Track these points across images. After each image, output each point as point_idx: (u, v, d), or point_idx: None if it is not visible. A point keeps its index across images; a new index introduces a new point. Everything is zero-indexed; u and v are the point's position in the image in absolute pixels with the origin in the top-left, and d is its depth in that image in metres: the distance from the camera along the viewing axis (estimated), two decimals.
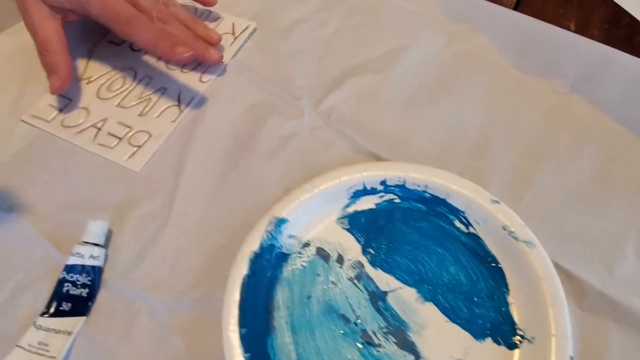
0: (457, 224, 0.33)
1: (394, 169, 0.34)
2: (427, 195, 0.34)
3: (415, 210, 0.34)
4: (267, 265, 0.31)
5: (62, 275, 0.31)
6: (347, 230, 0.33)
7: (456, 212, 0.33)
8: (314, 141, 0.37)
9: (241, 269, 0.30)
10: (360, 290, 0.31)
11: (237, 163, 0.36)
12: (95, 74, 0.41)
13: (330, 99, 0.40)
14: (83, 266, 0.31)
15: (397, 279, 0.31)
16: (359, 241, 0.33)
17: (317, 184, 0.33)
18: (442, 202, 0.33)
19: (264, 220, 0.32)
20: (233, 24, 0.46)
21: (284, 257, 0.32)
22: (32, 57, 0.41)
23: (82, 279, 0.31)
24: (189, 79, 0.42)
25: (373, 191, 0.34)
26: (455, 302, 0.30)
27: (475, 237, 0.32)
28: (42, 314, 0.30)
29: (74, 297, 0.30)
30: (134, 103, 0.40)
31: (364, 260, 0.32)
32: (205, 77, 0.42)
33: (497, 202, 0.32)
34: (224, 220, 0.34)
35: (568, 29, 0.45)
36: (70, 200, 0.35)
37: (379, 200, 0.34)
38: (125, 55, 0.43)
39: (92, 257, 0.31)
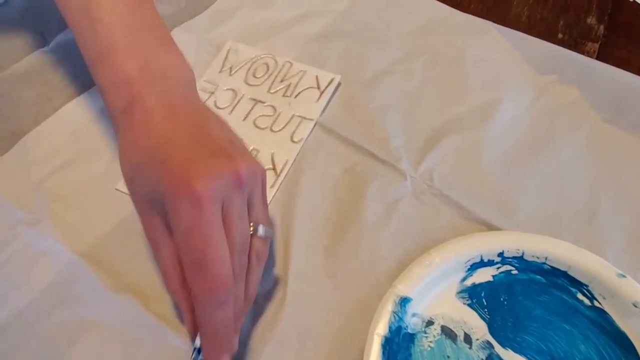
0: (580, 297, 0.33)
1: (511, 241, 0.34)
2: (546, 267, 0.33)
3: (534, 282, 0.33)
4: (397, 349, 0.30)
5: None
6: (469, 305, 0.33)
7: (578, 285, 0.33)
8: (420, 208, 0.37)
9: (376, 356, 0.29)
10: None
11: (345, 234, 0.35)
12: None
13: (429, 161, 0.39)
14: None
15: (529, 359, 0.31)
16: (483, 318, 0.32)
17: (435, 259, 0.33)
18: (563, 274, 0.33)
19: (388, 300, 0.31)
20: (317, 77, 0.45)
21: (410, 337, 0.31)
22: None
23: None
24: (280, 139, 0.41)
25: (490, 263, 0.34)
26: None
27: (601, 312, 0.32)
28: None
29: None
30: None
31: (492, 340, 0.31)
32: (297, 137, 0.41)
33: (623, 276, 0.32)
34: (340, 299, 0.33)
35: None
36: None
37: (496, 272, 0.34)
38: None
39: None
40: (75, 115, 0.41)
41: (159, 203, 0.27)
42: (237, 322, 0.28)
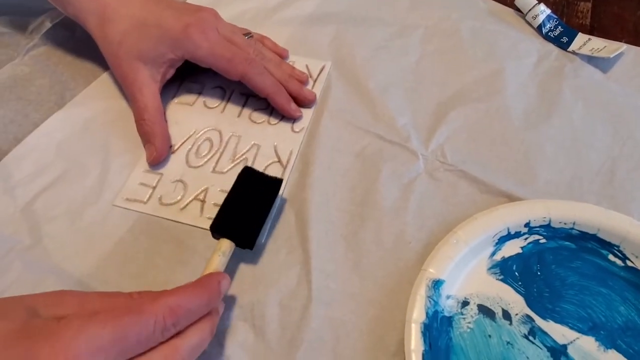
0: (612, 258, 0.32)
1: (537, 209, 0.32)
2: (574, 232, 0.32)
3: (564, 249, 0.32)
4: (437, 335, 0.29)
5: None
6: (502, 280, 0.31)
7: (609, 247, 0.32)
8: (437, 186, 0.35)
9: (417, 344, 0.28)
10: (539, 347, 0.29)
11: (363, 222, 0.34)
12: (178, 141, 0.38)
13: (439, 136, 0.37)
14: None
15: (571, 328, 0.29)
16: (519, 292, 0.31)
17: (462, 236, 0.31)
18: (593, 237, 0.32)
19: (421, 285, 0.30)
20: (307, 65, 0.43)
21: (448, 321, 0.30)
22: (107, 128, 0.38)
23: None
24: (280, 130, 0.39)
25: (517, 235, 0.33)
26: (638, 346, 0.29)
27: (635, 271, 0.31)
28: None
29: None
30: (230, 166, 0.37)
31: (531, 313, 0.30)
32: (298, 127, 0.39)
33: None
34: (370, 289, 0.31)
35: None
36: None
37: (524, 243, 0.33)
38: (202, 115, 0.40)
39: None
40: (57, 131, 0.38)
41: (152, 55, 0.37)
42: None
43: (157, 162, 0.37)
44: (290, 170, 0.37)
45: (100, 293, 0.25)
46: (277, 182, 0.33)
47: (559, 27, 0.44)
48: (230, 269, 0.32)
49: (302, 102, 0.40)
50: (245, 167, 0.33)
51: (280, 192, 0.35)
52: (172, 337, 0.24)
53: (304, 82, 0.41)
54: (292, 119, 0.39)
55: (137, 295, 0.24)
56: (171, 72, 0.39)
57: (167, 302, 0.24)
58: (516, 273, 0.32)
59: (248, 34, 0.42)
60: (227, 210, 0.32)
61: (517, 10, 0.46)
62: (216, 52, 0.37)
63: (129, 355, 0.22)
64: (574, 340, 0.29)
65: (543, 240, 0.33)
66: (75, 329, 0.21)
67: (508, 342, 0.29)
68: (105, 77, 0.42)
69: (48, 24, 0.45)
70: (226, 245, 0.30)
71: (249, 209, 0.32)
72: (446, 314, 0.30)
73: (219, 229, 0.31)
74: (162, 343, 0.23)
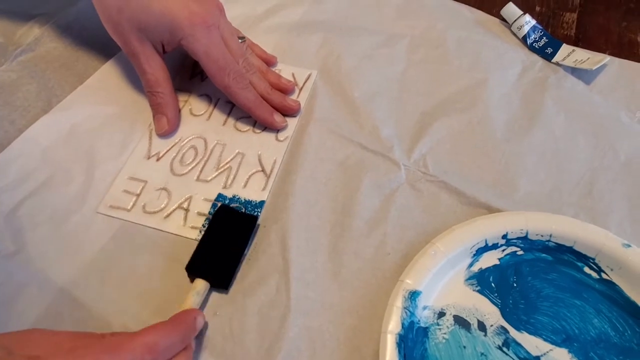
0: (588, 270, 0.32)
1: (514, 221, 0.33)
2: (551, 244, 0.33)
3: (541, 261, 0.33)
4: (413, 346, 0.29)
5: None
6: (479, 292, 0.32)
7: (584, 259, 0.32)
8: (418, 197, 0.35)
9: (392, 355, 0.28)
10: (513, 358, 0.29)
11: (343, 232, 0.34)
12: (163, 148, 0.38)
13: (421, 147, 0.38)
14: None
15: (545, 340, 0.30)
16: (494, 303, 0.31)
17: (440, 248, 0.32)
18: (569, 249, 0.32)
19: (397, 296, 0.30)
20: (293, 74, 0.43)
21: (423, 332, 0.30)
22: (92, 134, 0.39)
23: None
24: (265, 139, 0.39)
25: (495, 246, 0.33)
26: (610, 358, 0.29)
27: (610, 284, 0.32)
28: None
29: None
30: (214, 175, 0.37)
31: (506, 324, 0.31)
32: (282, 136, 0.39)
33: (629, 245, 0.31)
34: (348, 299, 0.32)
35: (635, 43, 0.44)
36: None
37: (501, 255, 0.33)
38: (187, 122, 0.40)
39: None
40: (42, 136, 0.39)
41: (152, 30, 0.37)
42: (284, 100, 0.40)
43: (168, 133, 0.39)
44: (274, 179, 0.37)
45: (73, 333, 0.24)
46: (252, 219, 0.34)
47: (544, 37, 0.44)
48: None
49: (286, 112, 0.40)
50: (221, 206, 0.34)
51: (264, 191, 0.36)
52: None
53: (290, 91, 0.41)
54: (275, 129, 0.39)
55: (110, 336, 0.24)
56: (169, 48, 0.39)
57: (144, 340, 0.24)
58: (493, 284, 0.32)
59: (242, 38, 0.42)
60: (202, 250, 0.32)
61: (503, 20, 0.46)
62: (211, 54, 0.37)
63: None
64: (548, 352, 0.30)
65: (520, 252, 0.33)
66: None
67: (482, 354, 0.30)
68: (90, 82, 0.42)
69: (36, 30, 0.45)
70: (201, 285, 0.31)
71: (224, 249, 0.33)
72: (422, 324, 0.30)
73: (194, 269, 0.32)
74: None
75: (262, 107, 0.39)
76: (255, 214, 0.35)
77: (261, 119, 0.39)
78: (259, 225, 0.35)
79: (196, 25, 0.37)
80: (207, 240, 0.33)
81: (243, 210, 0.35)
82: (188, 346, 0.27)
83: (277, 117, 0.39)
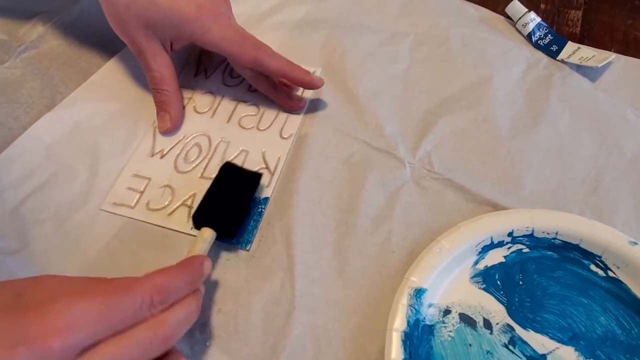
0: (594, 268, 0.32)
1: (520, 219, 0.33)
2: (557, 242, 0.33)
3: (547, 258, 0.33)
4: (418, 343, 0.29)
5: None
6: (484, 289, 0.32)
7: (591, 257, 0.32)
8: (423, 195, 0.35)
9: (397, 353, 0.28)
10: (519, 356, 0.29)
11: (348, 229, 0.34)
12: (166, 146, 0.38)
13: (426, 145, 0.38)
14: None
15: (551, 338, 0.30)
16: (500, 301, 0.31)
17: (445, 245, 0.32)
18: (575, 247, 0.32)
19: (403, 294, 0.30)
20: None
21: (429, 329, 0.30)
22: (96, 131, 0.39)
23: None
24: (269, 137, 0.39)
25: (500, 244, 0.33)
26: (617, 356, 0.29)
27: (616, 282, 0.31)
28: None
29: None
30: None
31: (512, 322, 0.30)
32: (286, 133, 0.39)
33: (635, 243, 0.31)
34: (353, 297, 0.31)
35: (638, 39, 0.44)
36: None
37: (507, 253, 0.33)
38: (191, 120, 0.40)
39: None
40: (46, 133, 0.39)
41: (160, 27, 0.37)
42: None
43: (170, 131, 0.39)
44: (278, 176, 0.37)
45: (83, 277, 0.25)
46: (256, 176, 0.35)
47: (549, 35, 0.44)
48: (215, 275, 0.32)
49: (292, 109, 0.40)
50: (226, 163, 0.35)
51: (268, 188, 0.36)
52: (159, 313, 0.24)
53: (293, 91, 0.41)
54: (314, 88, 0.39)
55: (119, 279, 0.24)
56: (177, 46, 0.39)
57: (154, 281, 0.24)
58: (498, 282, 0.32)
59: None
60: (209, 201, 0.33)
61: (508, 17, 0.46)
62: (226, 36, 0.37)
63: (116, 329, 0.23)
64: (554, 350, 0.30)
65: (526, 250, 0.33)
66: (64, 302, 0.22)
67: (488, 351, 0.29)
68: (94, 79, 0.42)
69: (40, 28, 0.45)
70: (208, 233, 0.31)
71: (230, 201, 0.33)
72: (427, 322, 0.30)
73: (201, 219, 0.32)
74: (149, 318, 0.24)
75: (297, 67, 0.38)
76: (259, 210, 0.35)
77: (299, 80, 0.38)
78: (262, 185, 0.35)
79: (204, 16, 0.37)
80: (214, 193, 0.33)
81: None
82: (197, 290, 0.27)
83: (314, 76, 0.38)
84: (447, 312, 0.31)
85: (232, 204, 0.33)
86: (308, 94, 0.41)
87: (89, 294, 0.22)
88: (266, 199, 0.35)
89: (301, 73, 0.38)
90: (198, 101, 0.41)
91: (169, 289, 0.25)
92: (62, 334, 0.21)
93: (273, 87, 0.40)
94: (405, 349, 0.28)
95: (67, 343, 0.21)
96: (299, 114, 0.40)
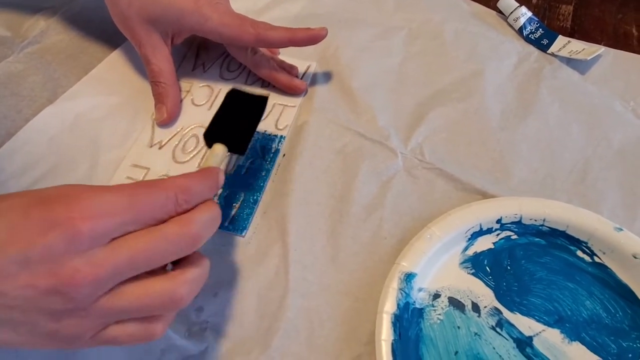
0: (580, 254, 0.33)
1: (508, 206, 0.33)
2: (544, 228, 0.33)
3: (534, 245, 0.33)
4: (408, 325, 0.30)
5: None
6: (473, 274, 0.32)
7: (577, 243, 0.33)
8: (414, 183, 0.36)
9: (387, 334, 0.29)
10: (506, 338, 0.30)
11: (342, 218, 0.35)
12: (165, 137, 0.39)
13: (418, 135, 0.39)
14: None
15: (538, 321, 0.31)
16: (488, 286, 0.32)
17: (435, 232, 0.33)
18: (562, 234, 0.33)
19: (393, 278, 0.31)
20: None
21: (419, 312, 0.31)
22: (97, 124, 0.40)
23: None
24: (265, 128, 0.40)
25: (489, 231, 0.34)
26: (602, 339, 0.30)
27: (602, 267, 0.32)
28: None
29: None
30: None
31: (499, 306, 0.31)
32: (282, 124, 0.40)
33: (620, 229, 0.32)
34: (345, 282, 0.32)
35: (630, 34, 0.45)
36: None
37: (495, 239, 0.34)
38: (189, 112, 0.41)
39: None
40: (48, 125, 0.40)
41: (161, 20, 0.38)
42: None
43: (166, 123, 0.40)
44: (274, 167, 0.38)
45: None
46: (263, 100, 0.36)
47: (540, 29, 0.45)
48: (211, 260, 0.33)
49: (293, 91, 0.41)
50: (232, 89, 0.35)
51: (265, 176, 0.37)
52: (184, 213, 0.25)
53: (294, 74, 0.42)
54: (320, 39, 0.39)
55: (142, 181, 0.26)
56: (178, 40, 0.40)
57: (177, 182, 0.25)
58: (487, 268, 0.33)
59: None
60: (218, 120, 0.34)
61: (500, 12, 0.47)
62: (226, 21, 0.38)
63: (142, 224, 0.23)
64: (540, 332, 0.30)
65: (514, 237, 0.34)
66: (90, 194, 0.22)
67: (476, 333, 0.30)
68: (95, 73, 0.43)
69: (42, 23, 0.46)
70: (219, 148, 0.32)
71: (239, 120, 0.34)
72: (417, 305, 0.31)
73: (212, 135, 0.33)
74: (175, 217, 0.24)
75: (298, 29, 0.39)
76: (255, 197, 0.36)
77: (303, 38, 0.39)
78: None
79: (202, 7, 0.38)
80: (222, 114, 0.34)
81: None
82: (212, 200, 0.27)
83: (315, 29, 0.39)
84: (436, 296, 0.32)
85: (241, 123, 0.34)
86: (307, 80, 0.43)
87: (115, 189, 0.23)
88: (282, 136, 0.37)
89: (303, 31, 0.39)
90: (196, 94, 0.42)
91: (192, 190, 0.25)
92: (91, 220, 0.21)
93: (275, 70, 0.41)
94: (395, 331, 0.29)
95: (96, 228, 0.21)
96: (294, 106, 0.41)
